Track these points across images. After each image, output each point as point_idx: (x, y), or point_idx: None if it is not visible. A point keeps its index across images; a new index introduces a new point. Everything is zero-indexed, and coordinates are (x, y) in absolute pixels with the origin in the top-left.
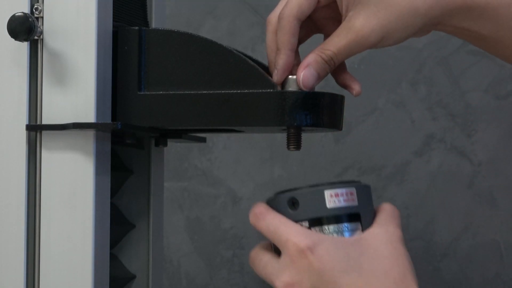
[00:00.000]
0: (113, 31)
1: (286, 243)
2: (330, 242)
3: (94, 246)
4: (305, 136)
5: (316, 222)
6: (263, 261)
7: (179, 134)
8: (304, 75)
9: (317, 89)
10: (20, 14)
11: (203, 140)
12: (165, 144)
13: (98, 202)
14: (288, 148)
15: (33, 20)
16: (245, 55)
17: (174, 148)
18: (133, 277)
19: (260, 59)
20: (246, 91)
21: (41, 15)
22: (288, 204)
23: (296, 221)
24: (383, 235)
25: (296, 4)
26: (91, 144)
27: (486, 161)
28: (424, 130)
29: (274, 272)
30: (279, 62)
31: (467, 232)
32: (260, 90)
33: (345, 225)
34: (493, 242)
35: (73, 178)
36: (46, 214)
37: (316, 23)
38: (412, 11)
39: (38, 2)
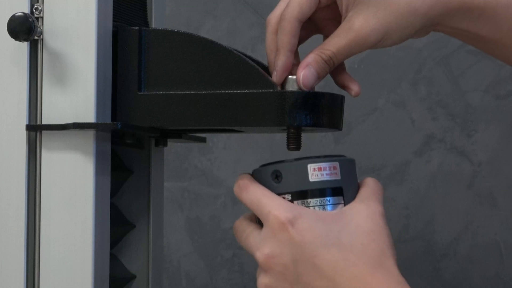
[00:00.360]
0: (113, 31)
1: (267, 216)
2: (311, 216)
3: (94, 246)
4: (305, 136)
5: (298, 195)
6: (245, 232)
7: (179, 134)
8: (304, 75)
9: (317, 89)
10: (20, 14)
11: (203, 140)
12: (165, 144)
13: (98, 202)
14: (288, 148)
15: (33, 20)
16: (245, 55)
17: (174, 148)
18: (133, 277)
19: (260, 59)
20: (246, 91)
21: (41, 15)
22: (271, 176)
23: (279, 193)
24: (364, 210)
25: (297, 6)
26: (91, 144)
27: (486, 161)
28: (424, 130)
29: (255, 243)
30: (278, 63)
31: (467, 232)
32: (260, 90)
33: (327, 199)
34: (493, 242)
35: (73, 178)
36: (46, 214)
37: (316, 24)
38: (411, 12)
39: (38, 2)
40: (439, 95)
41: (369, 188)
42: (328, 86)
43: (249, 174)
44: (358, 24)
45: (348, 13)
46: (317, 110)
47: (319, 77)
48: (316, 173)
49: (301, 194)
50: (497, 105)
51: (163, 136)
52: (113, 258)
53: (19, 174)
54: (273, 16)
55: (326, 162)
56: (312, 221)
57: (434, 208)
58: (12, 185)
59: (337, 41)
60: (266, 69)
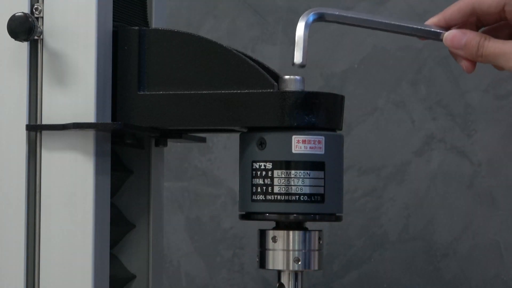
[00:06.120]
0: (113, 31)
1: None
2: None
3: (94, 246)
4: None
5: (279, 165)
6: None
7: (179, 134)
8: (454, 35)
9: (317, 89)
10: (20, 14)
11: (203, 140)
12: (165, 144)
13: (98, 202)
14: None
15: (33, 20)
16: (245, 55)
17: (174, 148)
18: (133, 277)
19: (260, 59)
20: (246, 91)
21: (41, 15)
22: (256, 143)
23: (261, 161)
24: None
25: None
26: (91, 144)
27: (486, 161)
28: (424, 130)
29: None
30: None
31: (467, 232)
32: (260, 90)
33: (308, 172)
34: (493, 242)
35: (73, 178)
36: (46, 214)
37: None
38: None
39: (38, 2)
40: (439, 95)
41: None
42: (328, 86)
43: None
44: None
45: None
46: (317, 110)
47: (462, 49)
48: (300, 145)
49: (282, 164)
50: (497, 105)
51: (163, 136)
52: (113, 258)
53: (19, 174)
54: None
55: (311, 135)
56: None
57: (434, 208)
58: (12, 185)
59: (494, 47)
60: (266, 69)
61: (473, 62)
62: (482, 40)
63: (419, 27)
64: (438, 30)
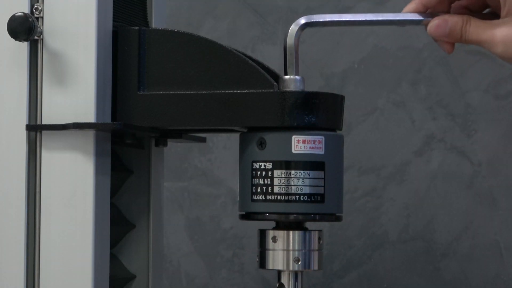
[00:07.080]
0: (113, 31)
1: None
2: None
3: (94, 246)
4: None
5: (279, 165)
6: None
7: (179, 134)
8: (438, 25)
9: (317, 89)
10: (20, 14)
11: (203, 140)
12: (165, 144)
13: (98, 202)
14: None
15: (33, 20)
16: (245, 55)
17: (174, 148)
18: (133, 277)
19: (260, 59)
20: (246, 91)
21: (41, 15)
22: (256, 143)
23: (261, 160)
24: None
25: None
26: (91, 144)
27: (486, 161)
28: (424, 130)
29: None
30: (407, 7)
31: (467, 232)
32: (260, 90)
33: (308, 172)
34: (493, 242)
35: (73, 178)
36: (46, 214)
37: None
38: None
39: (38, 2)
40: (439, 95)
41: None
42: (328, 86)
43: None
44: (499, 32)
45: (507, 16)
46: (317, 110)
47: (447, 37)
48: (300, 145)
49: (282, 164)
50: (497, 105)
51: (163, 136)
52: (113, 258)
53: (19, 174)
54: None
55: (311, 135)
56: None
57: (434, 208)
58: (12, 185)
59: (479, 32)
60: (266, 69)
61: (453, 43)
62: (464, 24)
63: (399, 18)
64: (418, 18)
